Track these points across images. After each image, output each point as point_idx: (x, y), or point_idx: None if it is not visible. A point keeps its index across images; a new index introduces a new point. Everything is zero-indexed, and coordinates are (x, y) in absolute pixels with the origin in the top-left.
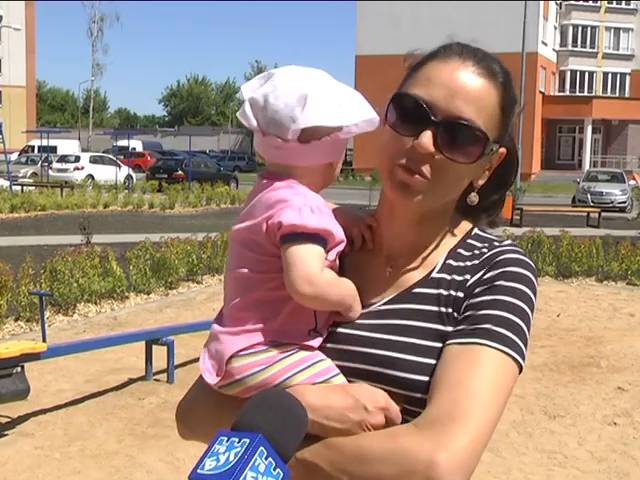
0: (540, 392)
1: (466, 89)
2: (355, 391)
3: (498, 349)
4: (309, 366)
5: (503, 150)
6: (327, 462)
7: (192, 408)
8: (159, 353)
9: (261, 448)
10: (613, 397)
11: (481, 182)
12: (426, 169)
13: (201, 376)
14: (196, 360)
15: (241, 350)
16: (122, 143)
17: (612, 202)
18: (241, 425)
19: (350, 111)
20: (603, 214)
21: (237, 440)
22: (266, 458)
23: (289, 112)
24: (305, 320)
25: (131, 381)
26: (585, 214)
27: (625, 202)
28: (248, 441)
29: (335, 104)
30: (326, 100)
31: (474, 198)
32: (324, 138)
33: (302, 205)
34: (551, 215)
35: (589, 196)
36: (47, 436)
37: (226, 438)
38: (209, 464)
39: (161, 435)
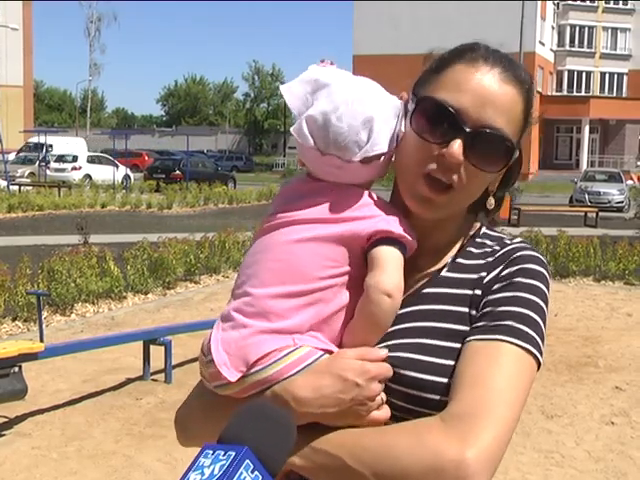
0: (537, 392)
1: (496, 97)
2: (342, 369)
3: (519, 345)
4: (302, 368)
5: (517, 152)
6: (349, 455)
7: (191, 414)
8: (157, 353)
9: (247, 461)
10: (610, 397)
11: (495, 185)
12: (455, 178)
13: (200, 381)
14: (194, 360)
15: (270, 353)
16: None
17: (609, 202)
18: (227, 437)
19: None
20: (600, 214)
21: (222, 453)
22: (252, 471)
23: (354, 136)
24: (337, 329)
25: (129, 381)
26: (583, 214)
27: (622, 202)
28: (234, 454)
29: (396, 126)
30: (389, 124)
31: (492, 202)
32: (383, 157)
33: (399, 218)
34: (549, 215)
35: (587, 196)
36: (44, 436)
37: (211, 451)
38: (193, 478)
39: (159, 435)
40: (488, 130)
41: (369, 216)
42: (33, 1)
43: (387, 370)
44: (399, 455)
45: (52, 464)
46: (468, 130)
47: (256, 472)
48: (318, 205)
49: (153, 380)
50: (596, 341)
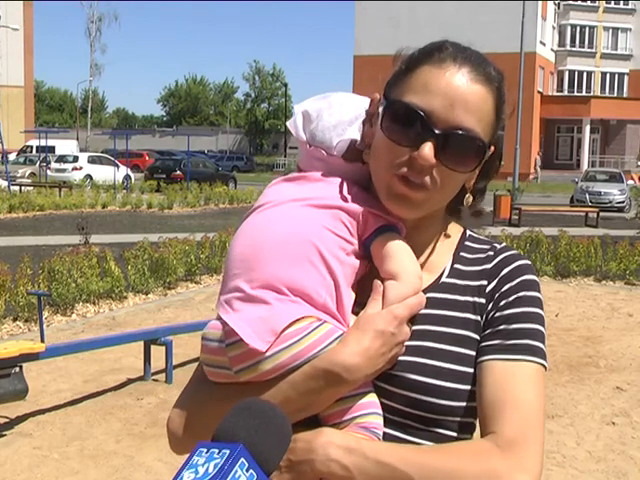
0: None
1: (465, 98)
2: (375, 324)
3: (538, 363)
4: (336, 338)
5: (492, 148)
6: (418, 474)
7: (192, 412)
8: (157, 353)
9: (242, 459)
10: (611, 397)
11: (472, 182)
12: (427, 180)
13: (191, 381)
14: (195, 360)
15: (296, 321)
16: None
17: (610, 202)
18: (221, 435)
19: None
20: (601, 214)
21: (217, 451)
22: (247, 470)
23: (340, 131)
24: (349, 306)
25: (129, 381)
26: (583, 214)
27: (623, 202)
28: (228, 452)
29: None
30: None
31: (470, 199)
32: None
33: (381, 206)
34: (549, 215)
35: (587, 196)
36: (46, 436)
37: (205, 449)
38: (187, 476)
39: (160, 435)
40: (458, 131)
41: (358, 200)
42: (34, 1)
43: (415, 306)
44: (463, 478)
45: (53, 464)
46: (438, 132)
47: (251, 470)
48: (308, 187)
49: (154, 380)
50: (597, 341)
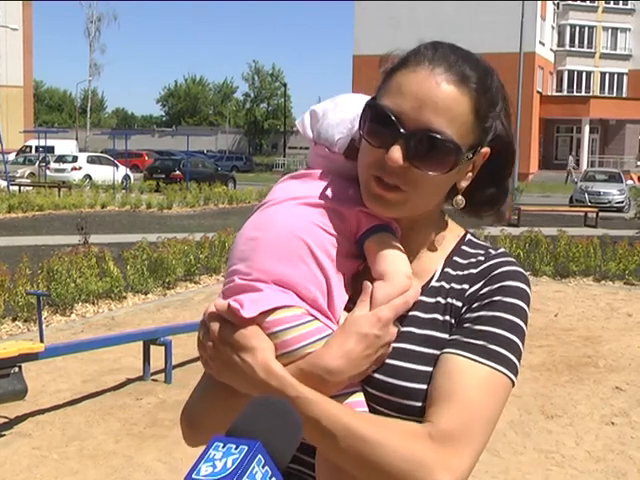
0: (537, 392)
1: (434, 99)
2: (359, 327)
3: (496, 369)
4: (324, 337)
5: (487, 150)
6: (343, 436)
7: (202, 406)
8: (157, 353)
9: (259, 456)
10: (611, 397)
11: (465, 184)
12: (400, 181)
13: (204, 375)
14: (194, 360)
15: (282, 307)
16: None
17: (610, 202)
18: (238, 431)
19: None
20: (601, 214)
21: (234, 446)
22: (263, 466)
23: (342, 128)
24: (341, 304)
25: (129, 381)
26: (583, 214)
27: (623, 202)
28: (246, 448)
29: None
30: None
31: (460, 201)
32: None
33: None
34: (549, 215)
35: (587, 196)
36: (45, 436)
37: (222, 444)
38: (205, 469)
39: (159, 435)
40: (426, 132)
41: (354, 199)
42: (33, 1)
43: (401, 306)
44: (389, 460)
45: (52, 464)
46: (405, 132)
47: (266, 467)
48: (309, 185)
49: (153, 380)
50: (596, 341)
